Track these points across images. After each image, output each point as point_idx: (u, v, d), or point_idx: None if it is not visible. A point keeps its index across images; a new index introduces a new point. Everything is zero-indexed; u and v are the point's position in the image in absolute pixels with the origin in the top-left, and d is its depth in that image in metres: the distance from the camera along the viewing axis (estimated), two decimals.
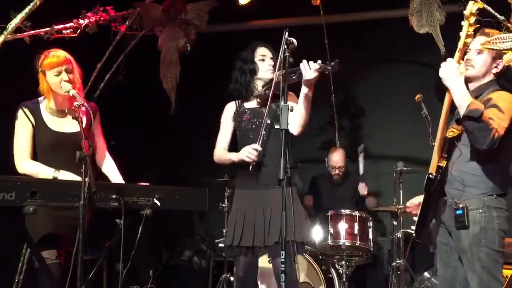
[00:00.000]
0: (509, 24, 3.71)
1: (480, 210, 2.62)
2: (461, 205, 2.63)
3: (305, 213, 3.16)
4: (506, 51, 3.19)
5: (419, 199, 2.90)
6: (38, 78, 2.88)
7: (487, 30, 2.79)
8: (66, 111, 2.91)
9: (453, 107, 2.71)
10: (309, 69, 2.80)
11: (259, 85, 3.18)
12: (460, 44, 2.65)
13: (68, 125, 2.88)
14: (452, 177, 2.71)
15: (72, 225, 2.51)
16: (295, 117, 2.96)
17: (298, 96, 3.01)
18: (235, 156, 3.10)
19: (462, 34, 2.65)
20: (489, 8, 3.85)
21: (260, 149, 2.97)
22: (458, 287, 2.72)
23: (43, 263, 2.58)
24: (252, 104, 3.21)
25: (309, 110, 2.98)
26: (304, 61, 2.81)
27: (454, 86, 2.63)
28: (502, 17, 3.78)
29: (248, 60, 3.19)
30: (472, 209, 2.63)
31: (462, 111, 2.56)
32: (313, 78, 2.82)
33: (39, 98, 2.90)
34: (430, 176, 2.71)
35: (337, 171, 4.99)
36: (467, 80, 2.70)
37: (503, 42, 3.15)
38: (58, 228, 2.69)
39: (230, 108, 3.28)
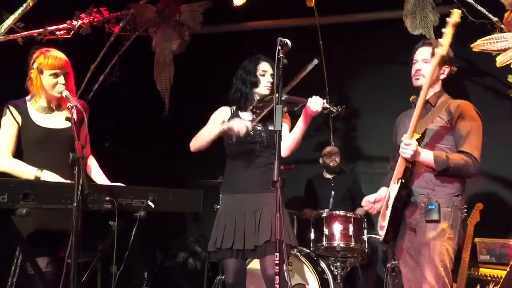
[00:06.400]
0: (502, 26, 3.72)
1: (450, 209, 2.72)
2: (434, 201, 2.71)
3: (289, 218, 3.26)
4: (499, 52, 3.20)
5: (373, 196, 2.98)
6: (28, 73, 2.80)
7: (428, 41, 2.90)
8: (54, 107, 2.84)
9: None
10: (316, 104, 2.92)
11: (255, 98, 3.25)
12: (444, 51, 2.62)
13: (56, 121, 2.80)
14: (422, 177, 2.79)
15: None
16: (288, 141, 3.09)
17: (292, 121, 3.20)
18: (223, 125, 3.09)
19: (445, 42, 2.60)
20: (482, 10, 3.87)
21: (250, 129, 3.02)
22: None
23: (36, 268, 2.55)
24: (246, 115, 3.24)
25: (301, 139, 3.12)
26: (314, 97, 2.95)
27: (421, 159, 2.73)
28: (496, 18, 3.80)
29: (251, 72, 3.25)
30: (443, 206, 2.71)
31: (436, 169, 2.70)
32: (315, 112, 2.96)
33: (27, 98, 2.83)
34: (403, 181, 2.75)
35: (332, 157, 5.08)
36: (421, 88, 2.74)
37: (496, 42, 3.16)
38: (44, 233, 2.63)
39: (223, 112, 3.31)
